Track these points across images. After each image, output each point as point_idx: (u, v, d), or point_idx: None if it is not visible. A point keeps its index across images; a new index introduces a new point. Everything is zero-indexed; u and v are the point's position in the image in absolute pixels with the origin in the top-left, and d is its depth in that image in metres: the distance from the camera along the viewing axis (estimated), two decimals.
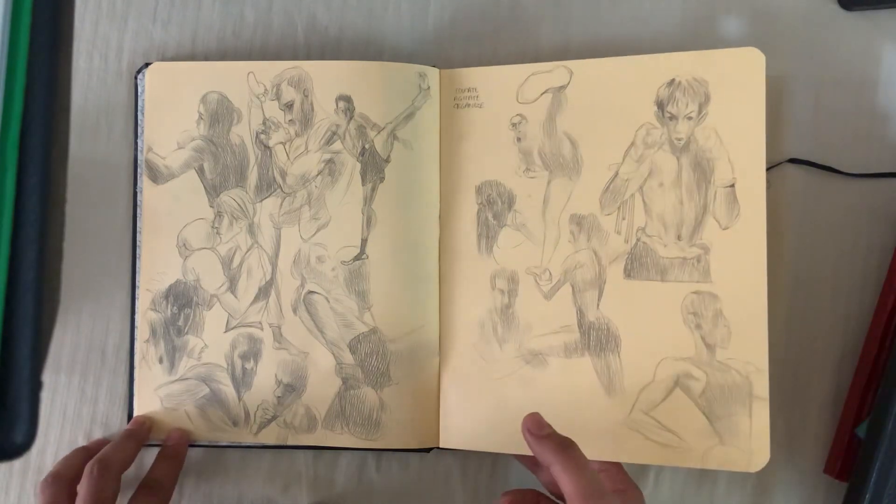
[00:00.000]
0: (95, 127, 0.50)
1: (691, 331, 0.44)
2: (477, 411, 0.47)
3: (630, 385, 0.45)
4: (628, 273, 0.46)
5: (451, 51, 0.50)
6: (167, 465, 0.45)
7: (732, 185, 0.44)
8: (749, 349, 0.43)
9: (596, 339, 0.46)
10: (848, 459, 0.46)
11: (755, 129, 0.44)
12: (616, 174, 0.46)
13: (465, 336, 0.47)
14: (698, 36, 0.50)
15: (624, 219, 0.46)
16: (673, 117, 0.45)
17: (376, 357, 0.47)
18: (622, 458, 0.44)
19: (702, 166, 0.45)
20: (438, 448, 0.47)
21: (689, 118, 0.45)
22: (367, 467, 0.49)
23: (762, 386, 0.43)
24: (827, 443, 0.48)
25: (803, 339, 0.48)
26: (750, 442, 0.43)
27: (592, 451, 0.43)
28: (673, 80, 0.45)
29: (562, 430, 0.42)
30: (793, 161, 0.49)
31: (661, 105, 0.45)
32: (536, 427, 0.40)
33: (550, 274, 0.47)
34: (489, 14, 0.50)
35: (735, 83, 0.44)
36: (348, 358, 0.47)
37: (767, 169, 0.49)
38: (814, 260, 0.49)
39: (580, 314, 0.46)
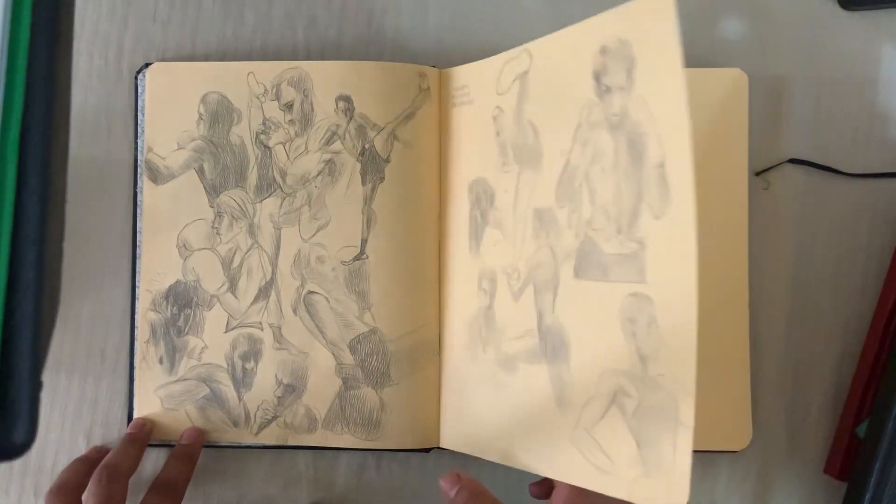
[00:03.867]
0: (95, 127, 0.50)
1: (627, 339, 0.37)
2: (469, 414, 0.46)
3: (577, 398, 0.39)
4: (577, 272, 0.39)
5: (451, 51, 0.50)
6: (180, 465, 0.45)
7: (662, 165, 0.35)
8: (677, 366, 0.34)
9: (551, 345, 0.40)
10: (848, 459, 0.46)
11: (676, 93, 0.34)
12: (567, 162, 0.40)
13: (458, 337, 0.47)
14: (698, 36, 0.50)
15: (574, 211, 0.39)
16: (609, 90, 0.38)
17: (376, 357, 0.47)
18: (562, 477, 0.40)
19: (635, 144, 0.37)
20: (438, 448, 0.47)
21: (622, 89, 0.37)
22: (367, 467, 0.49)
23: (688, 411, 0.34)
24: (827, 443, 0.48)
25: (803, 339, 0.48)
26: (672, 475, 0.35)
27: (541, 466, 0.41)
28: (604, 47, 0.38)
29: (518, 441, 0.42)
30: (793, 161, 0.49)
31: (598, 77, 0.38)
32: (449, 486, 0.40)
33: (519, 273, 0.43)
34: (489, 14, 0.50)
35: (653, 40, 0.36)
36: (348, 358, 0.47)
37: (767, 169, 0.49)
38: (814, 260, 0.49)
39: (539, 318, 0.41)
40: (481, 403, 0.45)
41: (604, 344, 0.38)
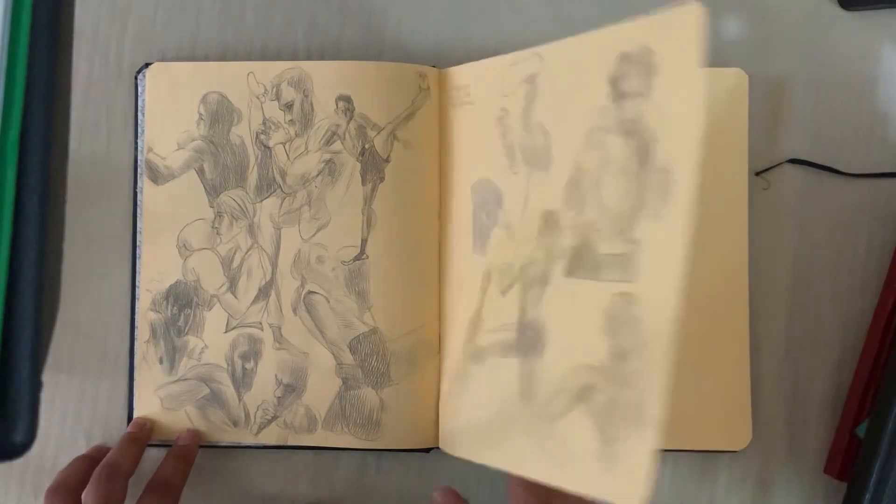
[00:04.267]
0: (95, 127, 0.50)
1: (608, 336, 0.38)
2: (464, 414, 0.46)
3: (543, 391, 0.40)
4: (569, 271, 0.40)
5: (451, 51, 0.50)
6: (177, 465, 0.45)
7: (667, 169, 0.36)
8: (653, 363, 0.35)
9: (527, 340, 0.41)
10: (848, 459, 0.46)
11: (691, 100, 0.35)
12: (578, 165, 0.40)
13: (460, 337, 0.47)
14: None
15: (579, 213, 0.40)
16: (624, 95, 0.38)
17: (376, 357, 0.47)
18: (518, 470, 0.40)
19: (644, 148, 0.37)
20: (438, 448, 0.47)
21: (638, 94, 0.38)
22: (367, 467, 0.49)
23: (656, 411, 0.34)
24: (827, 443, 0.48)
25: (803, 339, 0.48)
26: (634, 472, 0.35)
27: (496, 459, 0.41)
28: (624, 53, 0.38)
29: (476, 436, 0.43)
30: (793, 161, 0.49)
31: (613, 83, 0.39)
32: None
33: (512, 269, 0.43)
34: (489, 14, 0.50)
35: (675, 49, 0.36)
36: (348, 358, 0.47)
37: (767, 169, 0.49)
38: (814, 260, 0.49)
39: (522, 313, 0.42)
40: (470, 402, 0.45)
41: (583, 340, 0.38)
